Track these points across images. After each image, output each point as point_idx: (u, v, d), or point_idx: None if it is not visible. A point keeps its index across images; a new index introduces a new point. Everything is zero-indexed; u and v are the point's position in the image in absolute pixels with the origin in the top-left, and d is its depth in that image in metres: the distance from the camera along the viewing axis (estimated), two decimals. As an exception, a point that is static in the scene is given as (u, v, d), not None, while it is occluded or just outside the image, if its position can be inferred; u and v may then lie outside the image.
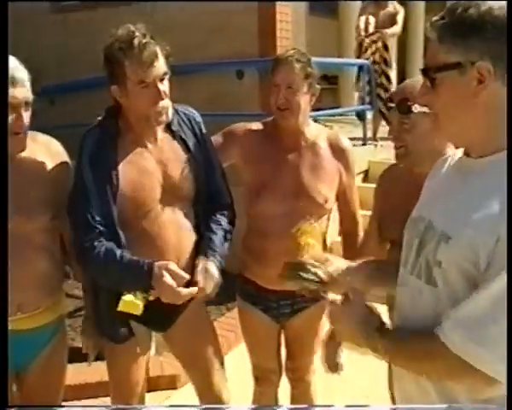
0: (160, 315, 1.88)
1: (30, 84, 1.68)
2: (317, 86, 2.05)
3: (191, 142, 1.90)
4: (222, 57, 5.32)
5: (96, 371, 2.86)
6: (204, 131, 1.97)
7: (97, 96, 5.76)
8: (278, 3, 5.10)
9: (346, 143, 2.15)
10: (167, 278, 1.67)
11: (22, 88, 1.63)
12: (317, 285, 1.51)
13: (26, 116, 1.68)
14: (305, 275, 1.50)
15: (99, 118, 1.85)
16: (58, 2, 6.48)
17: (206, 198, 1.91)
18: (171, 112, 1.82)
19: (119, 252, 1.72)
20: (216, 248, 1.86)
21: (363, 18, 6.20)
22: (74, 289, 2.93)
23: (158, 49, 1.69)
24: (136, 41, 1.64)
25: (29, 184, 1.75)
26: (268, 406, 2.17)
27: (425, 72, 1.16)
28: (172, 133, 1.88)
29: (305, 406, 2.20)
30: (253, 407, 2.18)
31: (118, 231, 1.76)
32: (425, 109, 1.57)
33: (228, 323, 2.98)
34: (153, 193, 1.80)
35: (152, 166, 1.81)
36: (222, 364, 2.10)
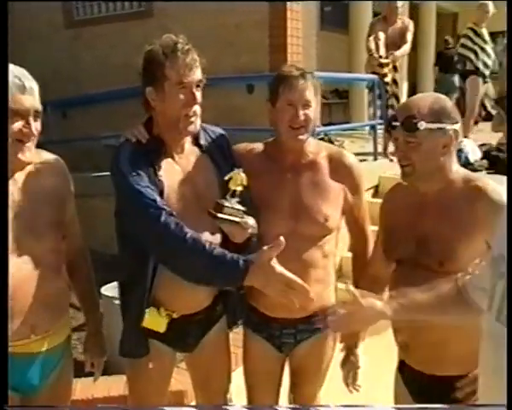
0: (185, 336, 1.89)
1: (38, 95, 1.66)
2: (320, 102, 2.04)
3: (218, 157, 1.91)
4: (232, 72, 5.35)
5: (104, 386, 2.86)
6: (231, 149, 1.98)
7: (110, 109, 5.88)
8: (289, 18, 5.13)
9: (350, 159, 2.05)
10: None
11: (30, 96, 1.62)
12: (242, 219, 1.72)
13: (36, 126, 1.65)
14: (229, 211, 1.70)
15: (133, 132, 1.82)
16: (71, 17, 6.55)
17: None
18: (198, 125, 1.83)
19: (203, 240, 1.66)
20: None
21: (371, 39, 6.23)
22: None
23: (198, 59, 1.78)
24: (179, 46, 1.74)
25: (39, 205, 1.72)
26: (268, 406, 2.13)
27: None
28: (200, 148, 1.91)
29: (306, 406, 2.16)
30: (253, 407, 2.15)
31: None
32: (431, 126, 1.57)
33: (238, 339, 2.96)
34: (179, 204, 1.79)
35: (179, 177, 1.83)
36: (228, 388, 2.11)
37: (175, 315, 1.71)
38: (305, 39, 5.54)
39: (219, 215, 1.71)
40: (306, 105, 1.90)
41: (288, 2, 5.16)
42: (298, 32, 5.25)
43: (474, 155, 5.94)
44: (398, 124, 1.64)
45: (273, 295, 1.62)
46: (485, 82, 6.82)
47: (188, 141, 1.89)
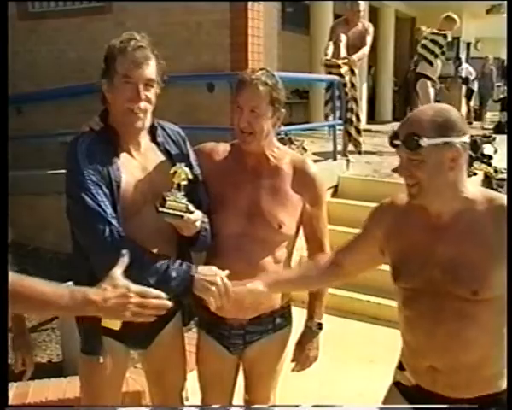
0: (139, 333, 1.86)
1: None
2: (283, 110, 1.97)
3: (175, 156, 1.91)
4: (193, 70, 5.32)
5: (59, 388, 2.80)
6: (188, 145, 1.99)
7: (66, 105, 5.75)
8: (250, 17, 5.13)
9: (312, 169, 2.03)
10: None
11: None
12: (185, 213, 1.74)
13: None
14: (172, 205, 1.73)
15: (88, 123, 1.86)
16: (25, 9, 6.36)
17: None
18: (147, 122, 1.84)
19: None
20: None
21: (331, 43, 6.32)
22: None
23: (152, 58, 1.79)
24: (132, 42, 1.77)
25: None
26: (262, 406, 2.13)
27: None
28: (157, 145, 1.92)
29: (303, 406, 2.17)
30: (250, 406, 2.15)
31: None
32: (434, 141, 1.46)
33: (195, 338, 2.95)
34: (137, 199, 1.81)
35: (136, 173, 1.84)
36: (183, 386, 2.11)
37: None
38: (266, 39, 5.56)
39: (160, 209, 1.74)
40: (253, 111, 1.88)
41: (249, 2, 5.17)
42: (259, 32, 5.26)
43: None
44: (399, 142, 1.53)
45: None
46: (433, 86, 7.03)
47: (145, 137, 1.89)
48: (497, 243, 1.49)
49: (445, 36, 6.84)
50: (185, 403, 2.12)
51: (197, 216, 1.79)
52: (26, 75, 6.03)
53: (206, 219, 1.87)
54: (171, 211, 1.74)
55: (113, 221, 1.72)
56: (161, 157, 1.91)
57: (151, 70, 1.79)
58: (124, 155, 1.83)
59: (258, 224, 1.94)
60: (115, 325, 1.68)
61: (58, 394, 2.85)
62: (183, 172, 1.77)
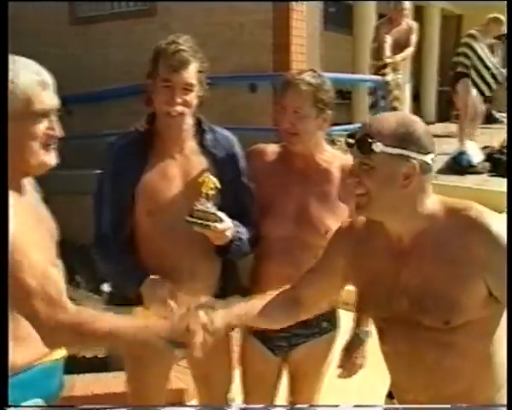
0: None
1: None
2: (329, 112, 1.93)
3: (222, 159, 1.92)
4: (235, 71, 5.35)
5: (104, 383, 2.87)
6: (239, 152, 1.98)
7: (113, 106, 5.87)
8: (294, 18, 5.12)
9: None
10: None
11: (51, 92, 1.39)
12: (213, 223, 1.75)
13: (58, 127, 1.42)
14: (200, 214, 1.75)
15: (135, 125, 1.93)
16: (75, 14, 6.55)
17: (229, 216, 1.86)
18: (188, 125, 1.87)
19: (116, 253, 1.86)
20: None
21: (376, 45, 6.24)
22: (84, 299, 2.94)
23: (191, 62, 1.81)
24: (173, 46, 1.80)
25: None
26: (267, 405, 2.12)
27: None
28: (203, 148, 1.92)
29: (305, 406, 2.15)
30: (253, 406, 2.15)
31: (127, 241, 1.86)
32: (390, 150, 1.32)
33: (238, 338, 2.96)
34: (172, 203, 1.83)
35: (175, 175, 1.86)
36: (230, 384, 2.12)
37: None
38: (308, 39, 5.54)
39: (188, 218, 1.76)
40: (296, 112, 1.87)
41: (292, 2, 5.16)
42: (302, 32, 5.24)
43: (477, 157, 5.93)
44: (352, 142, 1.38)
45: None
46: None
47: (190, 140, 1.91)
48: (467, 261, 1.31)
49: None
50: (230, 404, 2.12)
51: (226, 225, 1.79)
52: (74, 77, 6.20)
53: (241, 229, 1.87)
54: (198, 221, 1.76)
55: (110, 229, 1.86)
56: (205, 161, 1.90)
57: (190, 74, 1.80)
58: (163, 158, 1.86)
59: (306, 229, 1.92)
60: None
61: (104, 388, 2.92)
62: (210, 182, 1.77)
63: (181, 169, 1.87)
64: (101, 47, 6.29)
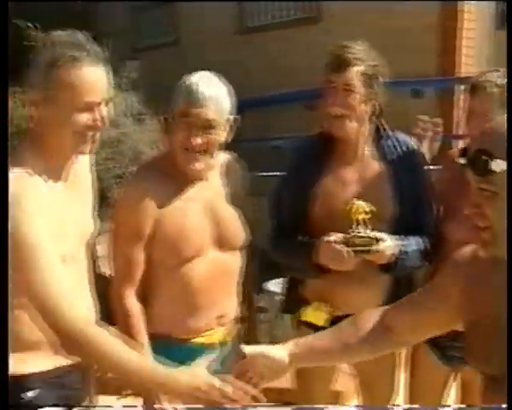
0: None
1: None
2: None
3: (399, 165, 1.91)
4: (397, 76, 5.23)
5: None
6: (418, 157, 1.98)
7: (277, 112, 6.05)
8: (465, 19, 4.89)
9: None
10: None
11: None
12: (372, 247, 1.72)
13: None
14: (355, 241, 1.72)
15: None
16: (243, 24, 6.92)
17: (405, 224, 1.86)
18: (363, 128, 1.87)
19: None
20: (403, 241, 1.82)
21: None
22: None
23: (354, 65, 1.81)
24: (336, 48, 1.85)
25: None
26: (277, 405, 2.03)
27: None
28: (380, 154, 1.92)
29: (305, 406, 2.03)
30: (260, 405, 2.08)
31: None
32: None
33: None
34: (334, 212, 1.84)
35: (351, 180, 1.89)
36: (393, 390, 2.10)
37: (340, 313, 1.77)
38: (479, 40, 5.23)
39: (346, 249, 1.74)
40: (485, 116, 1.78)
41: (461, 2, 4.93)
42: (472, 34, 4.98)
43: None
44: (464, 162, 1.11)
45: None
46: None
47: (368, 145, 1.91)
48: None
49: None
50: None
51: (386, 245, 1.76)
52: (240, 83, 6.54)
53: (407, 241, 1.82)
54: (356, 248, 1.74)
55: (286, 230, 1.88)
56: (380, 167, 1.90)
57: (350, 75, 1.80)
58: (340, 162, 1.90)
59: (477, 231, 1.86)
60: (320, 320, 1.74)
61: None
62: (359, 207, 1.74)
63: (357, 174, 1.89)
64: (265, 54, 6.55)
